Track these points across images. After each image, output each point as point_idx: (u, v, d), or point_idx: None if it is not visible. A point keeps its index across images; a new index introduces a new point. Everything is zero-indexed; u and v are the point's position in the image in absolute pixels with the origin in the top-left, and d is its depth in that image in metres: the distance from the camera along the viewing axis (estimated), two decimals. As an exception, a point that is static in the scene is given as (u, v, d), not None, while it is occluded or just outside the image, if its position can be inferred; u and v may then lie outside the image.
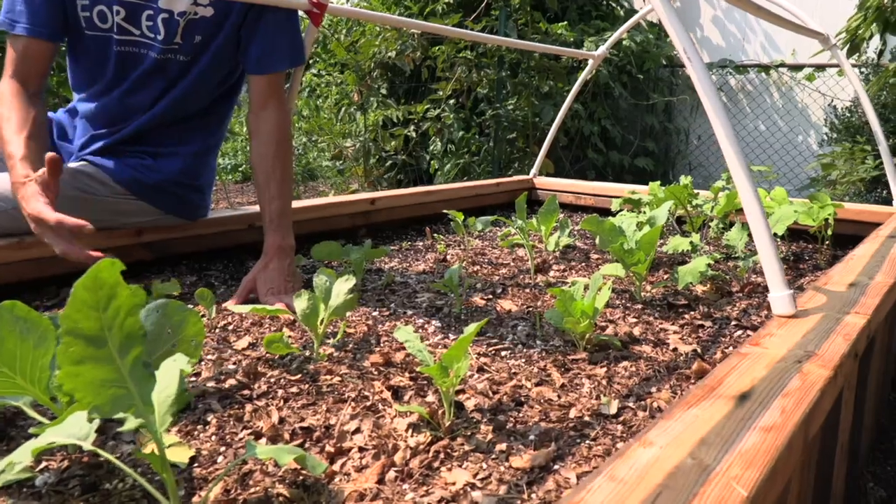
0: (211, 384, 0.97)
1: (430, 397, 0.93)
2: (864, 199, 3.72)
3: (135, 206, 1.48)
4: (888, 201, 2.21)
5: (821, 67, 5.70)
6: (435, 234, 2.16)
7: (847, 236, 2.02)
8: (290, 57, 1.49)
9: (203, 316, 1.27)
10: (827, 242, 1.96)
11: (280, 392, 0.94)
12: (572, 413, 0.88)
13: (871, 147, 3.61)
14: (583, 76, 2.60)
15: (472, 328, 0.83)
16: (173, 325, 0.89)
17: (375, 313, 1.33)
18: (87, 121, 1.51)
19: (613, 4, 5.64)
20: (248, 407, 0.90)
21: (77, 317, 0.57)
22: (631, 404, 0.91)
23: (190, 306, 0.86)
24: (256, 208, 1.83)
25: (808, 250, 2.03)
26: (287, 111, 1.50)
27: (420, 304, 1.40)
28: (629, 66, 5.15)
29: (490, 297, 1.46)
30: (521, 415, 0.89)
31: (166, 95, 1.49)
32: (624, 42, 4.88)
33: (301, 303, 1.05)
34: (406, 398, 0.93)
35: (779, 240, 2.12)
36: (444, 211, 1.97)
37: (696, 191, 2.06)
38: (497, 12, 4.28)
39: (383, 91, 4.28)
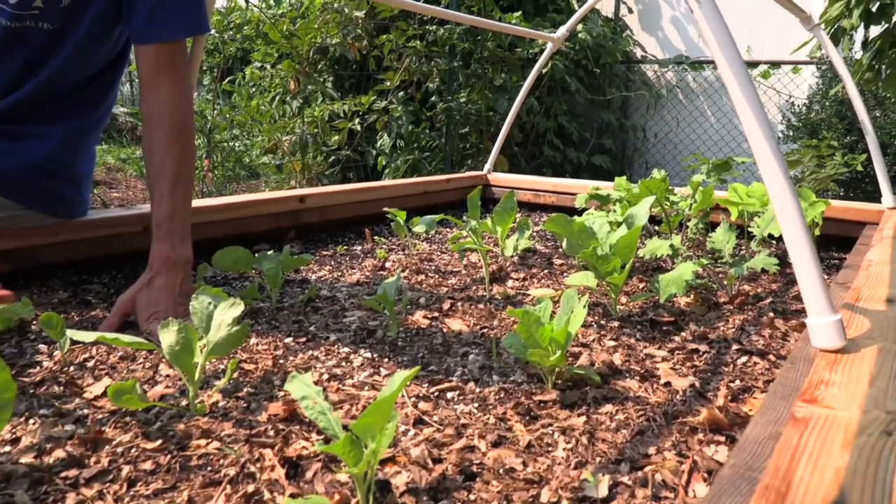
0: (27, 458, 0.67)
1: (344, 475, 0.65)
2: (835, 197, 3.61)
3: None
4: (861, 200, 2.04)
5: (775, 64, 5.64)
6: (376, 238, 1.88)
7: (833, 236, 1.83)
8: (185, 23, 1.17)
9: (55, 347, 0.97)
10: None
11: (125, 470, 0.65)
12: (544, 496, 0.62)
13: (839, 143, 3.49)
14: (540, 61, 2.36)
15: (398, 381, 0.56)
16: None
17: (288, 339, 1.04)
18: None
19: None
20: (71, 499, 0.61)
21: None
22: (625, 478, 0.65)
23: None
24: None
25: (789, 252, 1.83)
26: (185, 91, 1.18)
27: (348, 325, 1.12)
28: (585, 60, 4.97)
29: (436, 314, 1.19)
30: (471, 497, 0.62)
31: (32, 75, 1.17)
32: (580, 35, 4.69)
33: (168, 336, 0.76)
34: (308, 476, 0.65)
35: (757, 241, 1.92)
36: (385, 210, 1.69)
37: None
38: (447, 0, 4.02)
39: (328, 84, 3.96)
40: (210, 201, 1.61)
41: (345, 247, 1.77)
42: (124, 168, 5.23)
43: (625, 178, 1.93)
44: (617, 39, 5.48)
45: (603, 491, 0.62)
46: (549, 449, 0.72)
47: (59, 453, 0.68)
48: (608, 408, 0.82)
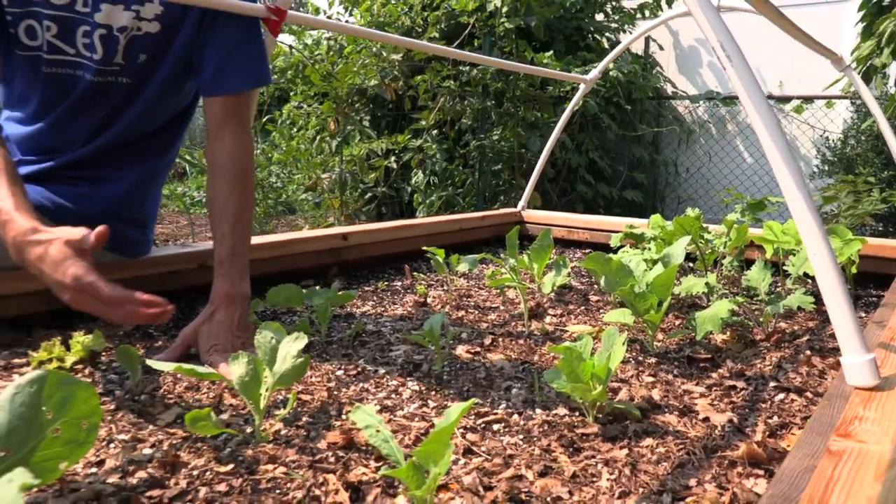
0: (113, 479, 0.74)
1: (402, 499, 0.70)
2: (873, 233, 3.58)
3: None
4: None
5: (809, 99, 5.64)
6: (415, 273, 1.94)
7: (870, 274, 1.84)
8: (249, 76, 1.27)
9: (128, 378, 1.04)
10: (849, 280, 1.77)
11: (202, 492, 0.71)
12: (592, 523, 0.66)
13: (876, 178, 3.47)
14: (573, 101, 2.44)
15: (455, 413, 0.61)
16: (54, 404, 0.66)
17: (340, 372, 1.10)
18: (13, 143, 1.29)
19: (599, 37, 5.56)
20: (155, 516, 0.67)
21: None
22: (668, 508, 0.69)
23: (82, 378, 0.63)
24: (210, 245, 1.61)
25: (826, 289, 1.84)
26: (248, 139, 1.27)
27: (395, 359, 1.18)
28: (616, 97, 5.04)
29: (478, 349, 1.24)
30: (522, 524, 0.66)
31: (110, 125, 1.28)
32: (611, 73, 4.77)
33: (238, 367, 0.82)
34: (369, 500, 0.70)
35: (793, 280, 1.93)
36: (424, 248, 1.76)
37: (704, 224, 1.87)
38: (480, 41, 4.15)
39: (365, 122, 4.10)
40: (260, 239, 1.69)
41: (385, 282, 1.84)
42: (167, 204, 5.43)
43: (659, 215, 1.97)
44: (647, 76, 5.55)
45: (647, 519, 0.66)
46: (594, 479, 0.75)
47: (142, 474, 0.74)
48: (649, 441, 0.85)
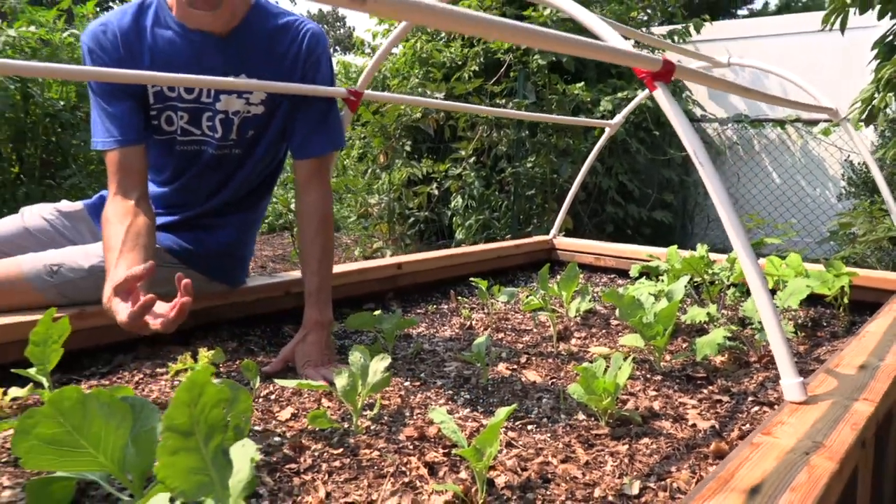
0: (260, 456, 1.05)
1: (463, 474, 1.00)
2: (889, 257, 3.74)
3: (184, 275, 1.59)
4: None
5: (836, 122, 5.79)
6: (459, 298, 2.24)
7: (866, 303, 2.07)
8: (331, 141, 1.61)
9: (248, 384, 1.36)
10: (843, 309, 2.00)
11: (324, 466, 1.02)
12: (596, 492, 0.95)
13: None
14: (600, 143, 2.71)
15: (502, 414, 0.90)
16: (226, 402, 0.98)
17: (407, 384, 1.41)
18: (156, 202, 1.65)
19: (630, 62, 5.81)
20: (296, 481, 0.97)
21: (174, 413, 0.66)
22: (652, 484, 0.97)
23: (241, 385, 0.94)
24: (292, 275, 1.94)
25: (826, 315, 2.08)
26: (329, 191, 1.61)
27: (448, 373, 1.48)
28: (645, 122, 5.28)
29: (515, 366, 1.53)
30: (548, 493, 0.95)
31: (225, 186, 1.62)
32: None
33: (341, 380, 1.13)
34: (441, 474, 1.00)
35: (798, 306, 2.17)
36: (471, 280, 2.06)
37: (712, 257, 2.13)
38: (516, 74, 4.46)
39: (407, 148, 4.44)
40: (336, 269, 2.01)
41: (434, 306, 2.14)
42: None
43: (675, 247, 2.23)
44: (677, 101, 5.77)
45: (635, 490, 0.94)
46: (601, 465, 1.04)
47: (279, 454, 1.06)
48: (646, 440, 1.14)
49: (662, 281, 1.94)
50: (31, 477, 0.99)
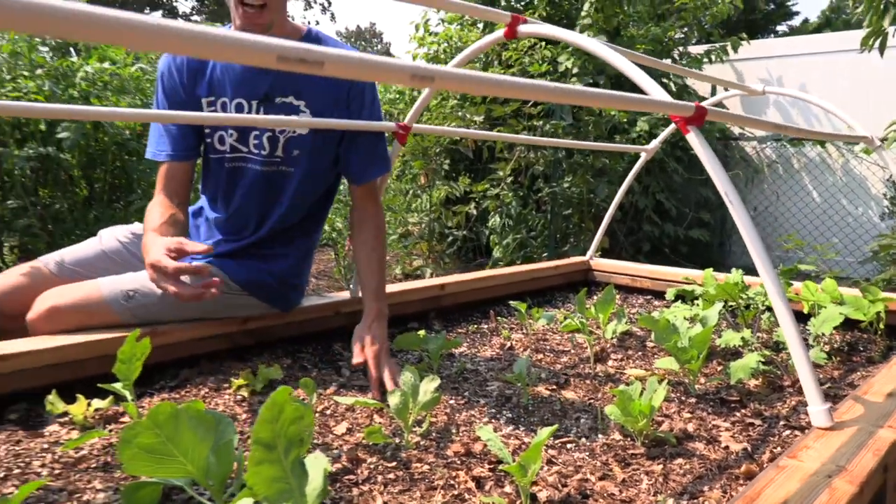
0: (331, 468, 1.15)
1: (508, 488, 1.08)
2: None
3: (245, 301, 1.72)
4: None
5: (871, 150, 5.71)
6: (498, 318, 2.33)
7: (903, 328, 2.09)
8: (382, 167, 1.78)
9: (304, 400, 1.47)
10: (880, 334, 2.03)
11: (380, 478, 1.11)
12: (633, 508, 1.02)
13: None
14: (636, 168, 2.78)
15: (544, 433, 0.99)
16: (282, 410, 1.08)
17: (452, 401, 1.50)
18: (212, 226, 1.78)
19: (666, 80, 5.84)
20: (355, 491, 1.07)
21: (259, 429, 0.77)
22: (685, 502, 1.04)
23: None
24: (342, 296, 2.05)
25: (864, 340, 2.10)
26: (381, 208, 1.81)
27: (491, 392, 1.56)
28: (682, 141, 5.30)
29: (554, 387, 1.61)
30: (587, 508, 1.03)
31: (276, 206, 1.75)
32: (677, 120, 5.03)
33: (394, 398, 1.23)
34: (487, 488, 1.08)
35: (834, 330, 2.19)
36: (510, 302, 2.14)
37: (747, 281, 2.17)
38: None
39: (446, 167, 4.55)
40: (377, 290, 2.12)
41: (475, 325, 2.23)
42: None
43: (710, 271, 2.28)
44: (714, 120, 5.77)
45: (669, 507, 1.01)
46: (637, 483, 1.11)
47: (338, 465, 1.15)
48: (679, 460, 1.20)
49: (697, 305, 1.99)
50: (120, 481, 1.11)
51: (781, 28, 15.02)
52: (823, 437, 0.99)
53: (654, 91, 1.15)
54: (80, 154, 2.23)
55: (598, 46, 1.26)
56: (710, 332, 1.53)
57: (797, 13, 15.17)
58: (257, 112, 1.68)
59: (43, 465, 1.16)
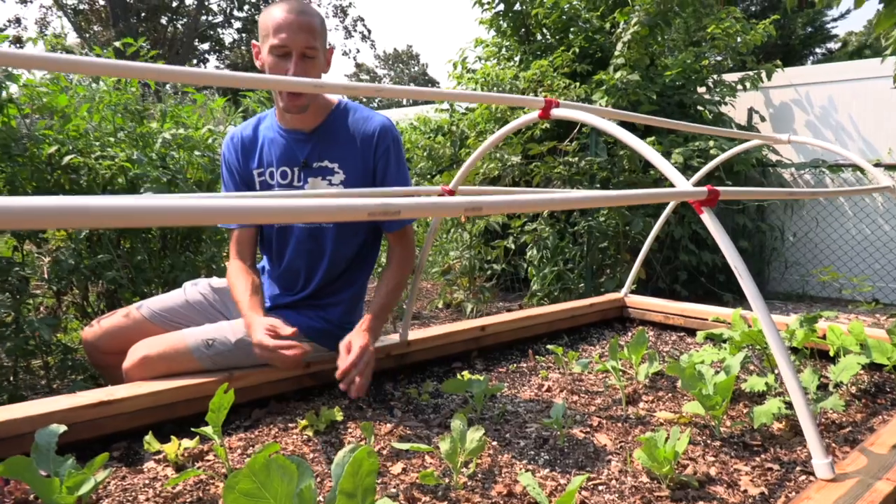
0: (382, 506, 1.32)
1: (546, 528, 1.24)
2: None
3: (306, 347, 1.92)
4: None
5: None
6: (537, 357, 2.48)
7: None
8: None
9: (363, 441, 1.65)
10: (906, 377, 2.11)
11: (433, 516, 1.28)
12: (655, 548, 1.16)
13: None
14: (667, 211, 2.91)
15: (577, 482, 1.15)
16: (357, 460, 1.26)
17: (495, 443, 1.66)
18: (272, 282, 2.00)
19: (701, 108, 5.93)
20: (413, 528, 1.24)
21: (344, 482, 0.95)
22: (702, 543, 1.18)
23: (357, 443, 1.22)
24: (392, 339, 2.24)
25: (891, 381, 2.18)
26: (411, 248, 2.04)
27: (530, 434, 1.72)
28: (718, 171, 5.37)
29: (588, 430, 1.76)
30: (615, 546, 1.18)
31: (322, 259, 1.96)
32: (712, 151, 5.14)
33: (445, 444, 1.40)
34: (527, 527, 1.24)
35: (861, 370, 2.28)
36: (548, 346, 2.30)
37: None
38: (588, 130, 4.70)
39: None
40: (424, 333, 2.31)
41: (514, 364, 2.39)
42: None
43: (739, 312, 2.39)
44: (750, 149, 5.83)
45: (687, 548, 1.15)
46: (660, 525, 1.26)
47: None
48: (701, 503, 1.34)
49: (725, 349, 2.12)
50: (214, 515, 1.30)
51: (820, 50, 14.84)
52: (824, 488, 1.12)
53: (672, 175, 1.31)
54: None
55: (625, 135, 1.43)
56: (733, 381, 1.66)
57: (835, 36, 14.97)
58: (299, 176, 1.91)
59: (147, 500, 1.37)
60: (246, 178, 1.98)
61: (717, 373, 1.81)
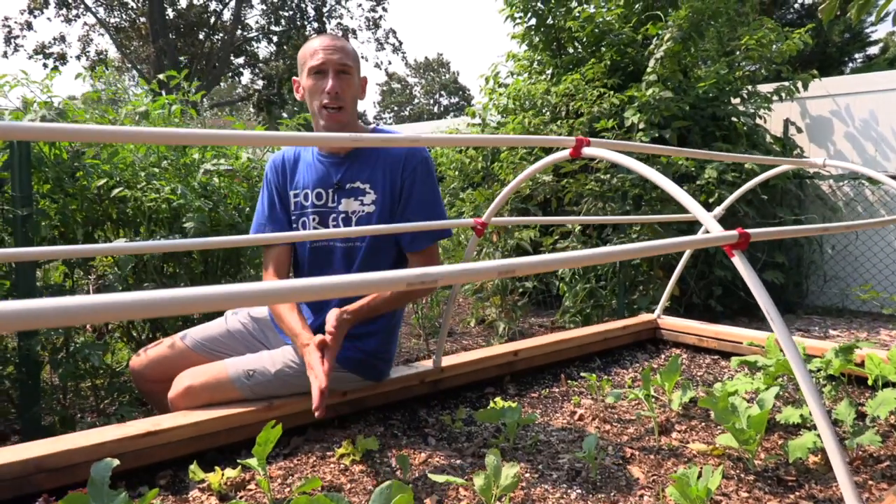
0: (417, 541, 1.36)
1: (578, 567, 1.26)
2: None
3: (343, 376, 1.97)
4: None
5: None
6: (569, 382, 2.49)
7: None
8: (435, 235, 2.01)
9: (399, 471, 1.69)
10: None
11: (468, 552, 1.31)
12: (687, 591, 1.18)
13: None
14: (700, 232, 2.89)
15: (610, 524, 1.17)
16: (391, 496, 1.30)
17: (528, 475, 1.68)
18: (307, 308, 2.06)
19: (735, 119, 5.85)
20: (448, 564, 1.28)
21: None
22: (735, 587, 1.19)
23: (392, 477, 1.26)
24: (426, 365, 2.28)
25: (932, 409, 2.14)
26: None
27: (562, 465, 1.74)
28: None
29: (620, 461, 1.77)
30: (647, 588, 1.19)
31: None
32: (747, 165, 5.07)
33: (479, 480, 1.43)
34: (560, 566, 1.27)
35: (870, 418, 2.23)
36: (583, 375, 2.31)
37: (809, 349, 2.26)
38: (620, 146, 4.69)
39: (514, 214, 4.76)
40: (458, 359, 2.34)
41: (547, 389, 2.41)
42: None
43: (774, 338, 2.37)
44: (783, 172, 5.72)
45: (719, 593, 1.16)
46: (693, 566, 1.27)
47: (432, 539, 1.36)
48: (734, 543, 1.35)
49: (759, 378, 2.10)
50: (256, 547, 1.36)
51: (859, 56, 14.47)
52: (859, 536, 1.12)
53: (702, 216, 1.33)
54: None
55: (656, 175, 1.45)
56: (767, 415, 1.66)
57: (875, 41, 14.56)
58: (332, 198, 1.97)
59: (194, 529, 1.43)
60: (283, 197, 2.07)
61: (750, 402, 1.81)
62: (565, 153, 1.65)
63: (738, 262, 1.28)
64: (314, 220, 2.01)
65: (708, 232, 1.33)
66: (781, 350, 2.34)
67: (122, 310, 0.58)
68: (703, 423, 2.05)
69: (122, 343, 2.83)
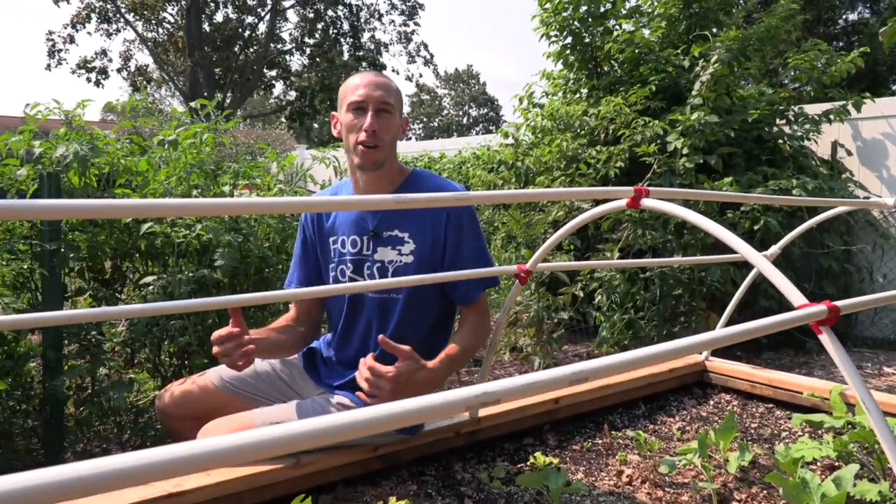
0: None
1: None
2: None
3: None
4: None
5: None
6: (613, 432, 2.34)
7: None
8: (486, 283, 1.95)
9: (434, 545, 1.56)
10: None
11: None
12: None
13: None
14: (747, 281, 2.72)
15: None
16: None
17: (575, 554, 1.54)
18: (335, 363, 1.96)
19: (782, 143, 5.62)
20: None
21: None
22: None
23: None
24: (462, 417, 2.15)
25: None
26: (487, 317, 1.96)
27: (613, 542, 1.59)
28: (800, 212, 5.07)
29: (677, 539, 1.61)
30: None
31: (387, 331, 1.89)
32: (794, 190, 4.85)
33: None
34: None
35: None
36: (627, 426, 2.16)
37: (879, 403, 2.07)
38: (662, 171, 4.52)
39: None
40: (496, 409, 2.21)
41: (589, 441, 2.26)
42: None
43: (839, 395, 2.19)
44: (835, 185, 5.49)
45: None
46: None
47: None
48: None
49: (827, 443, 1.92)
50: None
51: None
52: None
53: (786, 289, 1.18)
54: (228, 269, 2.47)
55: (716, 227, 1.31)
56: (844, 498, 1.49)
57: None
58: (368, 246, 1.87)
59: None
60: (322, 245, 1.98)
61: (817, 470, 1.64)
62: (621, 203, 1.52)
63: (827, 340, 1.13)
64: (350, 268, 1.92)
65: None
66: (847, 402, 2.17)
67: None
68: (764, 492, 1.88)
69: (146, 374, 2.76)
